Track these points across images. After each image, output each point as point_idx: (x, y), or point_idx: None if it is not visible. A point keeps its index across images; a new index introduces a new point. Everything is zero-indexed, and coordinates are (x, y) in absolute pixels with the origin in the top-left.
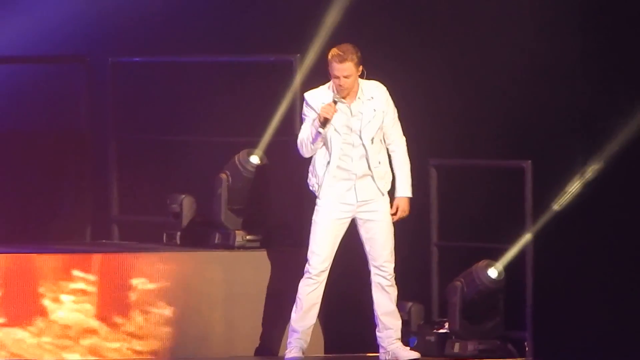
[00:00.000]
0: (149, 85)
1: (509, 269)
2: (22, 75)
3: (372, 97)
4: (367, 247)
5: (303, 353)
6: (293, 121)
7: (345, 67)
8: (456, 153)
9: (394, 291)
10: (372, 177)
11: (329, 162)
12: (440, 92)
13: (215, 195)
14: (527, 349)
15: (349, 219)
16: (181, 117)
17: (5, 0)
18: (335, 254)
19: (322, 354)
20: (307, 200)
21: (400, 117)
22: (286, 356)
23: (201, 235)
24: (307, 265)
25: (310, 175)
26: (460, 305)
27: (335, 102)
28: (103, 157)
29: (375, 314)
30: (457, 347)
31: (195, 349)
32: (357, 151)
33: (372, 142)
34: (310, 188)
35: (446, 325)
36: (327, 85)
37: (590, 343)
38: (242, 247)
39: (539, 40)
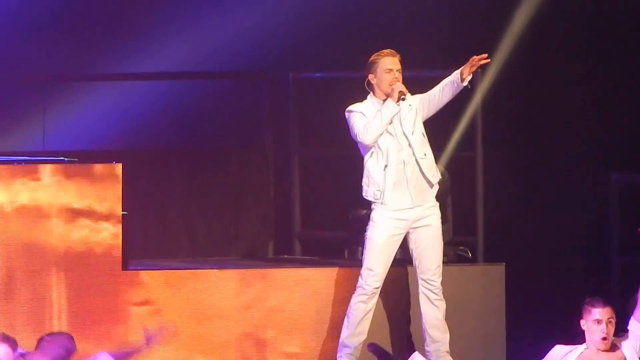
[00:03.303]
0: (330, 100)
1: None
2: (205, 91)
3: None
4: (416, 261)
5: None
6: (474, 136)
7: (398, 61)
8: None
9: (442, 304)
10: (420, 169)
11: (386, 166)
12: (624, 102)
13: None
14: None
15: (403, 234)
16: None
17: (187, 18)
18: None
19: None
20: (490, 214)
21: (579, 129)
22: None
23: None
24: (360, 280)
25: (366, 185)
26: None
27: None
28: (286, 173)
29: (423, 327)
30: None
31: None
32: (406, 154)
33: (413, 134)
34: (369, 198)
35: None
36: (365, 101)
37: None
38: None
39: None
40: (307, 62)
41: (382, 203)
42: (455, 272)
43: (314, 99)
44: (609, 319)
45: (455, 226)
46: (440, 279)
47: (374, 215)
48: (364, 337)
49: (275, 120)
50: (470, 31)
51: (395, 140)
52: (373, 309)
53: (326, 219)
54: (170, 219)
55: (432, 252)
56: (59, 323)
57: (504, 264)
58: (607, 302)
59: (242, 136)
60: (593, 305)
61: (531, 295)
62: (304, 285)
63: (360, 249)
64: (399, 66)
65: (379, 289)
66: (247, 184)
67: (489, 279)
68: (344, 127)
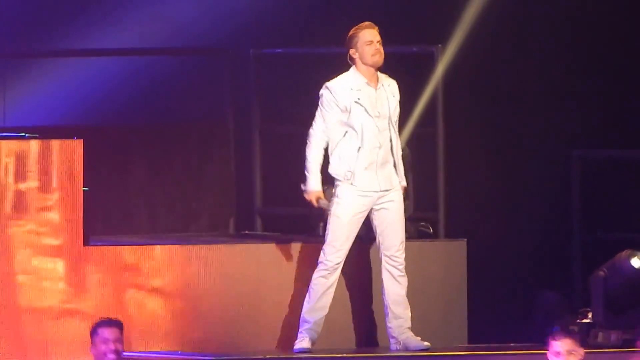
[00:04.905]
0: (291, 77)
1: None
2: (165, 67)
3: (390, 85)
4: (380, 237)
5: (313, 344)
6: (435, 112)
7: (377, 33)
8: (599, 143)
9: (404, 280)
10: (394, 163)
11: (360, 147)
12: (585, 79)
13: None
14: None
15: (368, 211)
16: None
17: None
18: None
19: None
20: (451, 189)
21: (542, 105)
22: (296, 346)
23: None
24: (322, 256)
25: (336, 164)
26: (604, 295)
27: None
28: (247, 149)
29: (385, 303)
30: (600, 337)
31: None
32: (383, 136)
33: (395, 125)
34: (338, 177)
35: (589, 315)
36: (347, 73)
37: None
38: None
39: None
40: (268, 38)
41: (351, 184)
42: (417, 248)
43: (275, 74)
44: (569, 350)
45: (416, 202)
46: (403, 255)
47: (339, 191)
48: (325, 312)
49: (236, 96)
50: (432, 7)
51: (372, 122)
52: (334, 285)
53: (287, 195)
54: (131, 195)
55: (396, 228)
56: (20, 299)
57: (466, 239)
58: (569, 333)
59: (203, 112)
60: (553, 338)
61: (493, 271)
62: (265, 261)
63: (321, 224)
64: (378, 37)
65: (341, 264)
66: (208, 160)
67: (451, 255)
68: (305, 103)
